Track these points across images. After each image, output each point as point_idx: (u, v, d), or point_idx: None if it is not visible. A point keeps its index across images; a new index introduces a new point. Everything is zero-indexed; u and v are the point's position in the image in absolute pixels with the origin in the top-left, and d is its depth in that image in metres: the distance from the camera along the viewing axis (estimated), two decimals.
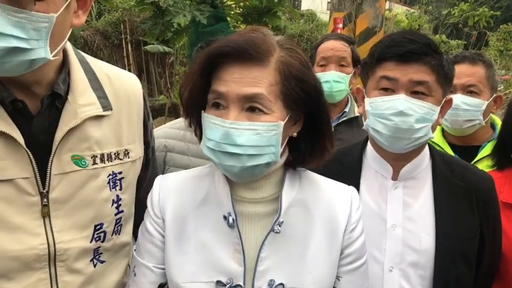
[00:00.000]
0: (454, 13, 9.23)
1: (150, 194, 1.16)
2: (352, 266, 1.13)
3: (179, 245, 1.08)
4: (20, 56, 0.94)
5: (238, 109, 0.99)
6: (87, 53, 1.28)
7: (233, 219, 1.05)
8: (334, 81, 2.29)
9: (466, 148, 1.99)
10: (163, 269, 1.12)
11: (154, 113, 7.49)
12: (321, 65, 2.35)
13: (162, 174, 1.26)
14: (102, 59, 1.33)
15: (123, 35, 8.41)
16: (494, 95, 1.98)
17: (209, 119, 1.01)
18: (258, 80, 0.98)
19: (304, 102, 1.04)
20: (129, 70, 7.90)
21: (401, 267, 1.32)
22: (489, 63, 1.97)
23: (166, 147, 2.03)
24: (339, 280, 1.13)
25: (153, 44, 7.59)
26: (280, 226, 1.06)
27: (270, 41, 1.01)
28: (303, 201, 1.11)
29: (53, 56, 1.00)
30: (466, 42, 12.02)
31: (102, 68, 1.25)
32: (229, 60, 0.99)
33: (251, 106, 0.99)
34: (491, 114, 2.03)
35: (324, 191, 1.15)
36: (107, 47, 8.36)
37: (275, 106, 1.00)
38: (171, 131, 2.05)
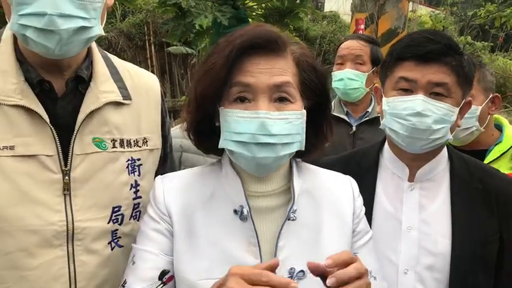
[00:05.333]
0: (480, 14, 9.03)
1: (152, 192, 1.15)
2: (364, 240, 1.17)
3: (189, 243, 1.08)
4: (84, 34, 1.08)
5: (268, 100, 1.00)
6: (111, 54, 1.35)
7: (248, 211, 1.05)
8: (348, 78, 2.30)
9: (472, 153, 1.86)
10: (169, 257, 1.10)
11: (176, 114, 7.57)
12: (338, 64, 2.39)
13: None
14: (125, 60, 1.41)
15: (146, 37, 8.51)
16: (491, 96, 1.90)
17: (235, 113, 1.01)
18: (284, 70, 1.02)
19: (319, 91, 1.08)
20: (152, 71, 8.00)
21: (416, 270, 1.30)
22: (479, 65, 1.88)
23: (182, 147, 2.03)
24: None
25: (176, 45, 7.68)
26: (294, 213, 1.08)
27: (282, 35, 1.05)
28: (308, 190, 1.14)
29: None
30: (492, 44, 11.75)
31: (123, 64, 1.34)
32: (253, 52, 1.00)
33: (280, 96, 1.01)
34: (492, 115, 1.96)
35: (324, 179, 1.19)
36: (131, 48, 8.49)
37: (297, 95, 1.04)
38: None
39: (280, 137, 1.00)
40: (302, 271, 1.05)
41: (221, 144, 1.05)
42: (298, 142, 1.04)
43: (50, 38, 1.03)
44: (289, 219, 1.07)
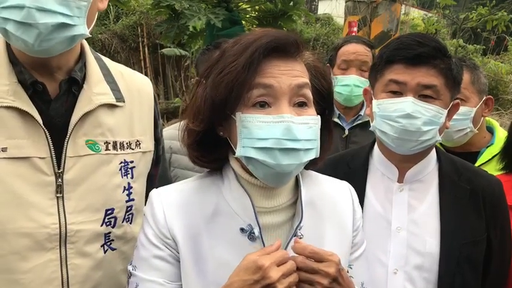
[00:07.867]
0: (472, 17, 9.09)
1: (150, 210, 1.07)
2: (359, 252, 1.16)
3: (198, 268, 1.02)
4: (65, 32, 1.06)
5: (288, 103, 0.96)
6: (105, 56, 1.35)
7: (259, 231, 1.01)
8: (355, 85, 2.27)
9: (464, 155, 1.89)
10: (175, 284, 1.04)
11: (169, 116, 7.57)
12: (342, 68, 2.33)
13: None
14: (119, 62, 1.40)
15: (140, 38, 8.51)
16: (484, 98, 1.93)
17: (256, 118, 0.95)
18: (302, 72, 1.00)
19: (328, 96, 1.08)
20: (146, 73, 8.00)
21: (405, 270, 1.32)
22: (473, 66, 1.92)
23: (172, 149, 2.02)
24: (351, 268, 1.13)
25: (169, 47, 7.69)
26: (300, 230, 1.04)
27: (301, 39, 1.04)
28: (310, 201, 1.10)
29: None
30: (484, 47, 11.84)
31: (116, 66, 1.33)
32: (274, 54, 0.98)
33: (300, 101, 0.98)
34: (485, 118, 1.99)
35: (325, 188, 1.16)
36: (124, 50, 8.47)
37: (312, 100, 1.02)
38: (176, 132, 2.04)
39: (304, 142, 0.96)
40: None
41: (239, 153, 0.98)
42: (315, 148, 1.00)
43: (29, 32, 1.01)
44: (296, 236, 1.03)
